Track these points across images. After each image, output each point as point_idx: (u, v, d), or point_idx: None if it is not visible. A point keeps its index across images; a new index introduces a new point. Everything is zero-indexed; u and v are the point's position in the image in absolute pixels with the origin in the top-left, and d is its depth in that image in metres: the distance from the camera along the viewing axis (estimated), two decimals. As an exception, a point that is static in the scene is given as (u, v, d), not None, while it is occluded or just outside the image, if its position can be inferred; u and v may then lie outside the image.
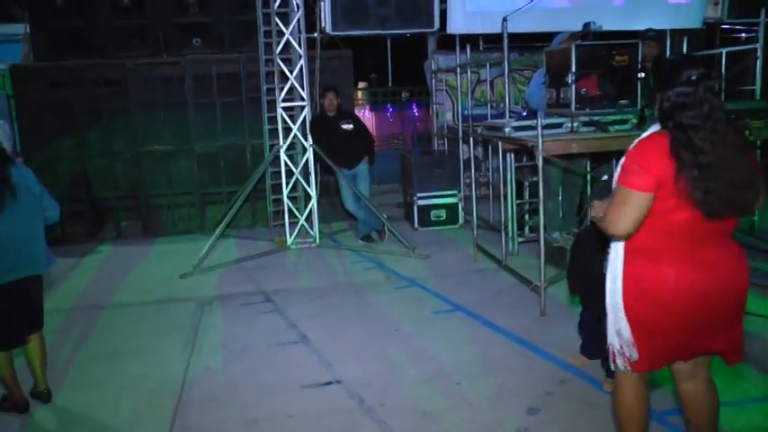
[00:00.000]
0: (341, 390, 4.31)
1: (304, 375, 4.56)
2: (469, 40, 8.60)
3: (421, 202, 8.79)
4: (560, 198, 6.99)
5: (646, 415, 2.93)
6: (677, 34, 8.49)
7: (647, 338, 2.71)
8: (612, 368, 2.87)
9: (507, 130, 5.63)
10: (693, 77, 2.54)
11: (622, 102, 5.54)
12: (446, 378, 4.38)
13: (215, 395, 4.36)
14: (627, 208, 2.54)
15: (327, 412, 4.03)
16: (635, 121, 5.51)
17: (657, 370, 2.92)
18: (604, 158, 6.58)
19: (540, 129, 5.07)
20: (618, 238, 2.69)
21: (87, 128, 9.04)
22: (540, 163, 5.20)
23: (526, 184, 7.55)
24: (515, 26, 6.67)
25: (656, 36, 6.70)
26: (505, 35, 6.29)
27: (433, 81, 11.29)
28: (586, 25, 5.71)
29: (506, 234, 6.99)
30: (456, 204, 8.85)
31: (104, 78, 9.17)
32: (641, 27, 6.91)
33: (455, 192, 8.82)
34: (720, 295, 2.65)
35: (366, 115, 19.04)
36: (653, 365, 2.82)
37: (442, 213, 8.84)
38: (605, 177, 4.23)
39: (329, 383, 4.42)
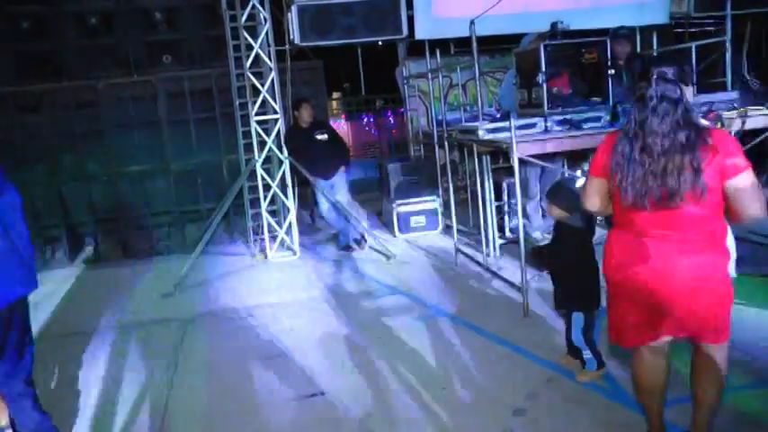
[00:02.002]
0: (326, 401, 4.29)
1: (288, 389, 4.53)
2: (440, 44, 8.65)
3: (400, 209, 8.78)
4: (538, 198, 7.03)
5: (657, 387, 3.20)
6: (647, 31, 8.59)
7: (615, 306, 3.16)
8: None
9: (481, 132, 5.66)
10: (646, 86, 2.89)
11: (594, 99, 5.59)
12: (431, 384, 4.36)
13: (199, 414, 4.32)
14: (588, 189, 3.16)
15: (313, 424, 4.01)
16: (608, 117, 5.56)
17: (630, 345, 3.22)
18: (581, 156, 6.63)
19: (513, 130, 5.08)
20: (594, 213, 3.44)
21: (60, 151, 8.97)
22: (516, 164, 5.22)
23: (504, 185, 7.57)
24: (484, 29, 6.73)
25: (627, 34, 6.76)
26: (474, 38, 6.34)
27: (406, 87, 11.32)
28: (554, 25, 5.75)
29: (486, 237, 7.00)
30: (435, 209, 8.85)
31: (75, 100, 9.11)
32: (608, 26, 6.98)
33: (434, 197, 8.82)
34: (669, 283, 2.89)
35: (342, 125, 19.09)
36: (622, 338, 3.19)
37: (422, 219, 8.84)
38: (580, 183, 4.26)
39: (314, 395, 4.39)
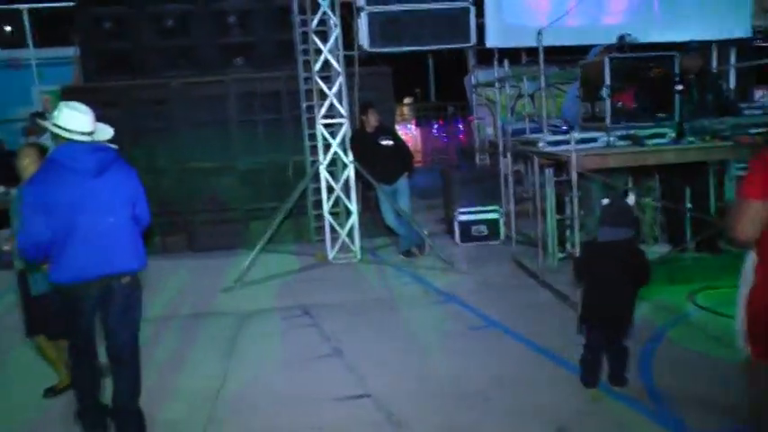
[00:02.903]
0: (370, 403, 4.33)
1: (335, 388, 4.60)
2: (510, 53, 8.60)
3: (462, 218, 8.78)
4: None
5: None
6: (724, 45, 8.33)
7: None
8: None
9: (541, 144, 5.62)
10: None
11: (660, 115, 5.47)
12: (477, 393, 4.36)
13: (249, 406, 4.44)
14: (743, 214, 2.66)
15: (356, 425, 4.06)
16: (672, 134, 5.42)
17: None
18: (645, 173, 6.50)
19: (573, 143, 5.03)
20: (741, 244, 2.82)
21: (134, 146, 9.29)
22: (575, 178, 5.16)
23: (567, 198, 7.47)
24: (553, 39, 6.65)
25: (698, 47, 6.59)
26: (541, 49, 6.28)
27: (474, 96, 11.28)
28: (621, 38, 5.66)
29: (545, 250, 6.93)
30: (497, 219, 8.80)
31: (150, 98, 9.44)
32: (684, 39, 6.82)
33: (496, 207, 8.77)
34: None
35: (412, 130, 19.12)
36: None
37: (484, 228, 8.80)
38: (606, 201, 4.18)
39: (360, 397, 4.45)
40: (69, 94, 9.53)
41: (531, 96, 9.61)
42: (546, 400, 4.20)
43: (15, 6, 14.41)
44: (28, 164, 4.37)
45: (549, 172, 6.73)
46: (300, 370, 5.00)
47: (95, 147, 3.83)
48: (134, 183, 3.93)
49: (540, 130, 7.04)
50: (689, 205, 6.94)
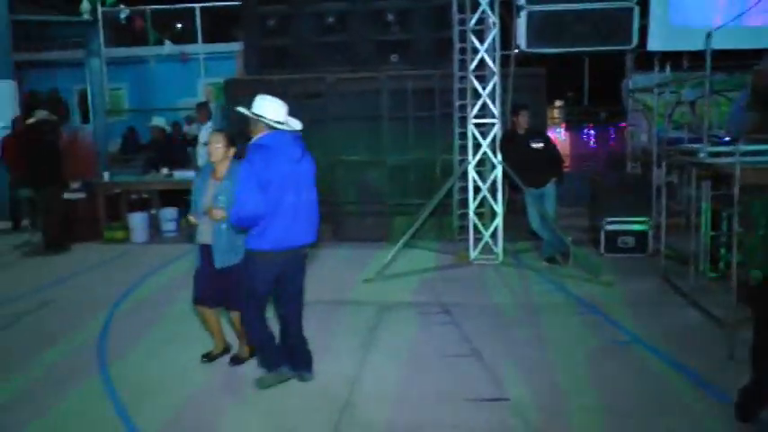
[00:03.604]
0: (508, 408, 4.31)
1: (473, 389, 4.62)
2: (671, 57, 8.21)
3: (609, 227, 8.48)
4: (762, 233, 6.47)
5: None
6: None
7: None
8: None
9: (702, 155, 5.34)
10: None
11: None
12: (616, 411, 4.24)
13: (383, 397, 4.54)
14: None
15: (492, 427, 4.06)
16: None
17: None
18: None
19: (738, 155, 4.75)
20: None
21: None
22: (737, 192, 4.87)
23: (724, 214, 7.06)
24: (723, 42, 6.25)
25: None
26: (708, 52, 5.94)
27: (630, 101, 10.87)
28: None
29: (697, 267, 6.59)
30: (646, 232, 8.42)
31: (306, 91, 9.80)
32: None
33: (646, 218, 8.41)
34: None
35: (561, 134, 18.71)
36: None
37: (630, 240, 8.46)
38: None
39: (497, 400, 4.44)
40: (232, 85, 10.13)
41: (692, 104, 9.13)
42: (689, 426, 4.03)
43: (190, 5, 15.44)
44: (216, 148, 4.90)
45: (706, 185, 6.40)
46: (438, 367, 5.05)
47: (296, 136, 4.54)
48: (315, 168, 4.65)
49: (699, 140, 6.70)
50: None
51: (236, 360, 5.22)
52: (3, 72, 12.12)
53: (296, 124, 4.57)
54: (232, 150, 4.97)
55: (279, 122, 4.43)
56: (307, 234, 4.55)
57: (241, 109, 4.52)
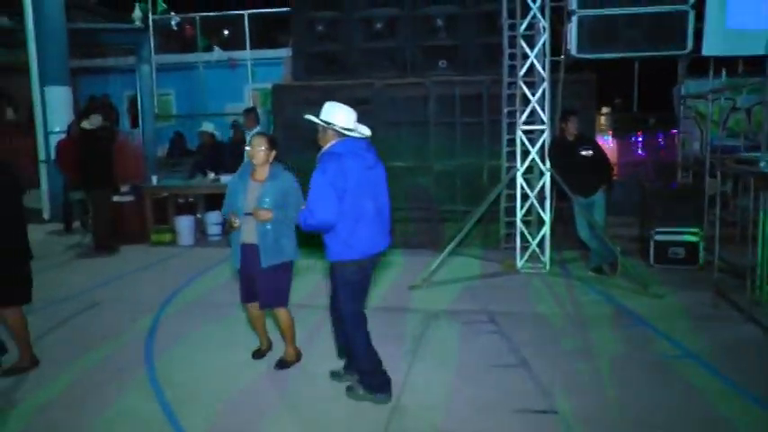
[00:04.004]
0: (556, 421, 4.22)
1: (519, 400, 4.54)
2: (726, 63, 7.98)
3: (658, 238, 8.27)
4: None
5: None
6: None
7: None
8: None
9: (762, 164, 5.18)
10: None
11: None
12: (667, 428, 4.12)
13: (430, 405, 4.49)
14: None
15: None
16: None
17: None
18: None
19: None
20: None
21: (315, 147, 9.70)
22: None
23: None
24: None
25: None
26: (769, 58, 5.78)
27: (681, 108, 10.63)
28: None
29: (753, 281, 6.39)
30: (698, 243, 8.19)
31: (354, 97, 9.78)
32: None
33: (697, 229, 8.19)
34: None
35: (609, 142, 18.42)
36: None
37: (681, 251, 8.23)
38: None
39: (545, 412, 4.35)
40: (279, 91, 10.19)
41: (748, 111, 8.88)
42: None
43: (239, 12, 15.66)
44: (259, 151, 4.96)
45: (765, 195, 6.19)
46: (485, 376, 4.97)
47: (368, 142, 4.52)
48: (386, 174, 4.61)
49: (756, 149, 6.50)
50: None
51: (283, 364, 5.25)
52: (60, 78, 12.42)
53: (365, 130, 4.55)
54: (273, 153, 5.04)
55: (349, 129, 4.41)
56: (383, 240, 4.58)
57: (310, 117, 4.50)
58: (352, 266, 4.40)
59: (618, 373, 4.99)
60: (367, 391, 4.56)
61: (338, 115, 4.40)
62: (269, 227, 4.88)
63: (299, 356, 5.29)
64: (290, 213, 4.90)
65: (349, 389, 4.67)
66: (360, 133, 4.48)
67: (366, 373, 4.58)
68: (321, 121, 4.42)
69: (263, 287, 5.02)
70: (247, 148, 5.16)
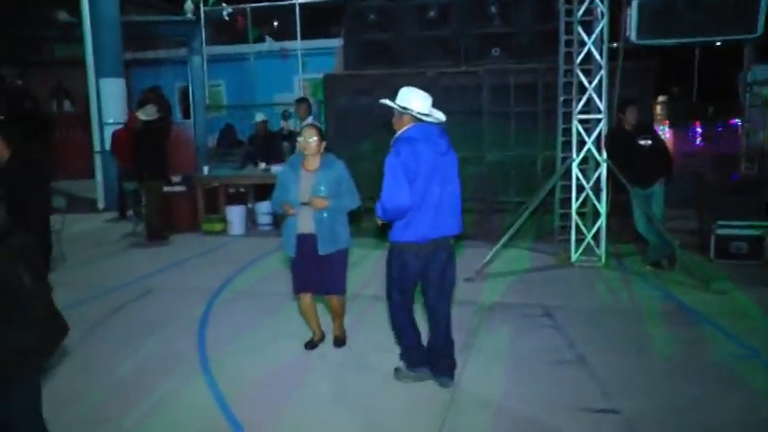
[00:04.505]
0: (618, 421, 4.07)
1: (578, 398, 4.40)
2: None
3: (720, 231, 7.95)
4: None
5: None
6: None
7: None
8: None
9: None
10: None
11: None
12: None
13: (488, 401, 4.39)
14: None
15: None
16: None
17: None
18: None
19: None
20: None
21: (387, 132, 9.58)
22: None
23: None
24: None
25: None
26: None
27: (747, 95, 10.21)
28: None
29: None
30: (762, 237, 7.84)
31: (406, 85, 9.64)
32: None
33: (762, 223, 7.85)
34: None
35: (665, 132, 17.93)
36: None
37: (744, 246, 7.89)
38: None
39: (606, 412, 4.20)
40: (331, 81, 10.14)
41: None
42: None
43: (290, 2, 15.64)
44: (311, 141, 5.01)
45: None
46: (541, 372, 4.85)
47: (442, 128, 4.54)
48: (458, 161, 4.61)
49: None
50: None
51: (340, 342, 5.47)
52: (115, 71, 12.60)
53: (440, 116, 4.55)
54: (324, 143, 5.10)
55: (425, 114, 4.42)
56: (451, 226, 4.51)
57: (386, 101, 4.54)
58: (411, 249, 4.42)
59: (680, 374, 4.80)
60: (410, 368, 4.68)
61: (415, 101, 4.42)
62: (325, 215, 4.96)
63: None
64: (345, 201, 4.99)
65: (396, 370, 4.76)
66: (435, 118, 4.49)
67: (408, 348, 4.71)
68: (398, 106, 4.45)
69: (322, 275, 5.10)
70: (299, 138, 5.16)
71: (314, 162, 5.06)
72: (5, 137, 5.87)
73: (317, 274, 5.10)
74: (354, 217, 5.30)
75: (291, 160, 5.27)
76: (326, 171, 5.02)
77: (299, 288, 5.23)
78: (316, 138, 5.02)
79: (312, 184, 4.97)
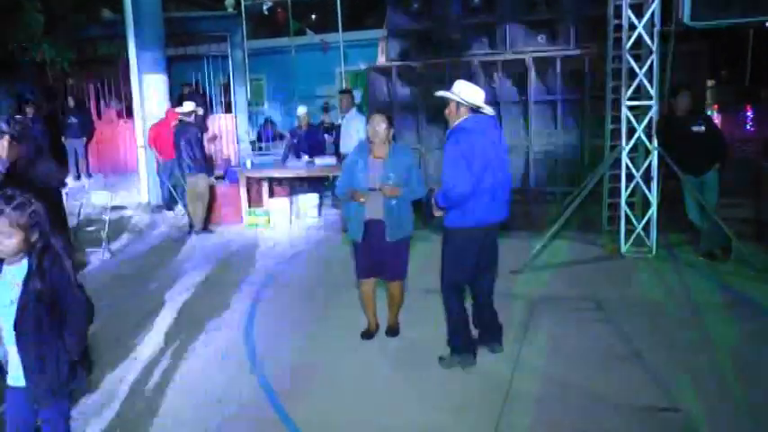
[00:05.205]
0: (681, 419, 3.92)
1: (637, 395, 4.26)
2: None
3: (778, 219, 7.68)
4: None
5: None
6: None
7: None
8: None
9: None
10: None
11: None
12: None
13: (542, 396, 4.29)
14: None
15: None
16: None
17: None
18: None
19: None
20: None
21: (431, 122, 9.46)
22: None
23: None
24: None
25: None
26: None
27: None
28: None
29: None
30: (824, 226, 7.55)
31: (450, 75, 9.51)
32: None
33: (827, 211, 7.53)
34: None
35: (714, 117, 17.47)
36: None
37: (805, 235, 7.61)
38: None
39: (665, 410, 4.05)
40: (374, 72, 10.05)
41: None
42: None
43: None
44: (381, 128, 5.07)
45: None
46: (595, 368, 4.71)
47: (495, 121, 4.78)
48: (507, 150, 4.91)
49: None
50: None
51: (393, 331, 5.47)
52: (158, 67, 12.68)
53: (490, 110, 4.73)
54: (392, 131, 5.17)
55: (480, 106, 4.61)
56: (501, 211, 4.76)
57: (442, 93, 4.70)
58: (465, 234, 4.64)
59: (744, 370, 4.61)
60: (454, 354, 4.81)
61: (469, 93, 4.59)
62: (394, 203, 5.03)
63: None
64: (414, 190, 5.11)
65: (440, 359, 4.85)
66: (489, 111, 4.70)
67: (455, 332, 4.85)
68: (458, 97, 4.59)
69: (390, 260, 5.19)
70: (367, 126, 5.24)
71: (383, 149, 5.11)
72: (13, 137, 5.78)
73: (381, 260, 5.19)
74: (418, 205, 5.30)
75: (358, 147, 5.36)
76: (396, 159, 5.08)
77: (363, 273, 5.31)
78: (384, 125, 5.07)
79: (381, 171, 5.04)
